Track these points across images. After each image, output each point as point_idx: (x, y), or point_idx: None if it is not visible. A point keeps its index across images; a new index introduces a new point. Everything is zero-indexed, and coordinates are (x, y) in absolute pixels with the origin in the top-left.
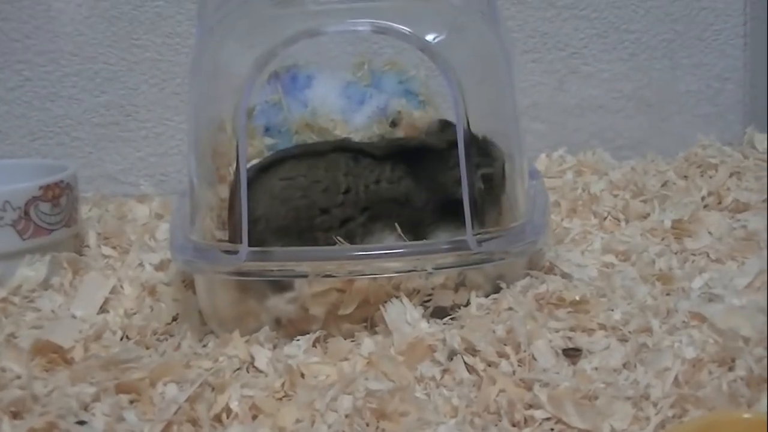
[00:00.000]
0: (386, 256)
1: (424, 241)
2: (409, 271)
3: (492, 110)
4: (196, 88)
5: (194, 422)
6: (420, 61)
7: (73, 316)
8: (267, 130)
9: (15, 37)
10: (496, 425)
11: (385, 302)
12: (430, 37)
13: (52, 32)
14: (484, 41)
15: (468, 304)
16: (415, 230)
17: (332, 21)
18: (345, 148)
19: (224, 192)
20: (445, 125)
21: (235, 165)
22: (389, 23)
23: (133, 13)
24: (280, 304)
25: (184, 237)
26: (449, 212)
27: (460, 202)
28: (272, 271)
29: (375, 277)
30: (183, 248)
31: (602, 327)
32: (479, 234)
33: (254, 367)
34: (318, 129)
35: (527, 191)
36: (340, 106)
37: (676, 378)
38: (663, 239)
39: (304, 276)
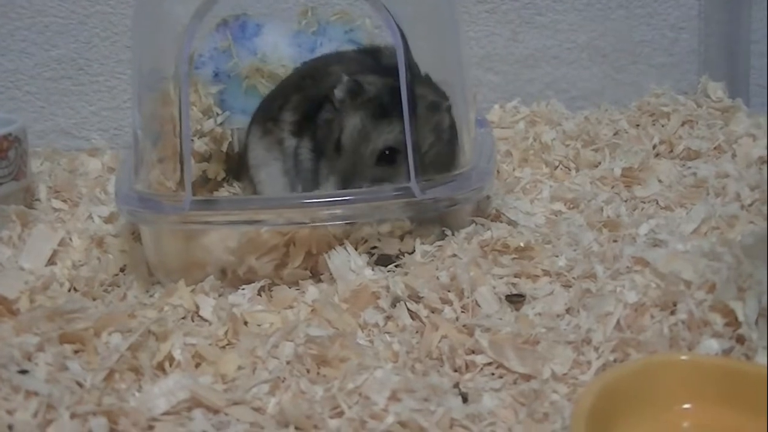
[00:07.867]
0: (329, 204)
1: (368, 189)
2: (352, 222)
3: (437, 60)
4: (139, 40)
5: (136, 370)
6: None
7: (21, 269)
8: (216, 76)
9: None
10: (438, 371)
11: (329, 250)
12: None
13: None
14: None
15: (414, 251)
16: None
17: None
18: None
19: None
20: None
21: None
22: None
23: None
24: (224, 255)
25: (129, 188)
26: None
27: None
28: (215, 220)
29: (317, 226)
30: (128, 199)
31: (546, 273)
32: (424, 181)
33: (199, 315)
34: (268, 74)
35: (474, 139)
36: (290, 54)
37: (618, 322)
38: (613, 187)
39: (248, 224)
